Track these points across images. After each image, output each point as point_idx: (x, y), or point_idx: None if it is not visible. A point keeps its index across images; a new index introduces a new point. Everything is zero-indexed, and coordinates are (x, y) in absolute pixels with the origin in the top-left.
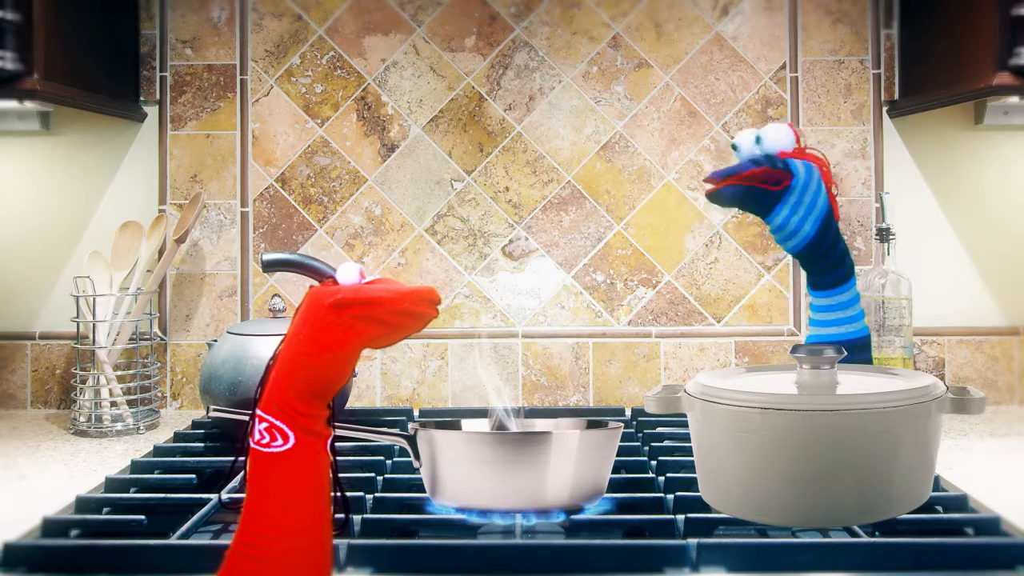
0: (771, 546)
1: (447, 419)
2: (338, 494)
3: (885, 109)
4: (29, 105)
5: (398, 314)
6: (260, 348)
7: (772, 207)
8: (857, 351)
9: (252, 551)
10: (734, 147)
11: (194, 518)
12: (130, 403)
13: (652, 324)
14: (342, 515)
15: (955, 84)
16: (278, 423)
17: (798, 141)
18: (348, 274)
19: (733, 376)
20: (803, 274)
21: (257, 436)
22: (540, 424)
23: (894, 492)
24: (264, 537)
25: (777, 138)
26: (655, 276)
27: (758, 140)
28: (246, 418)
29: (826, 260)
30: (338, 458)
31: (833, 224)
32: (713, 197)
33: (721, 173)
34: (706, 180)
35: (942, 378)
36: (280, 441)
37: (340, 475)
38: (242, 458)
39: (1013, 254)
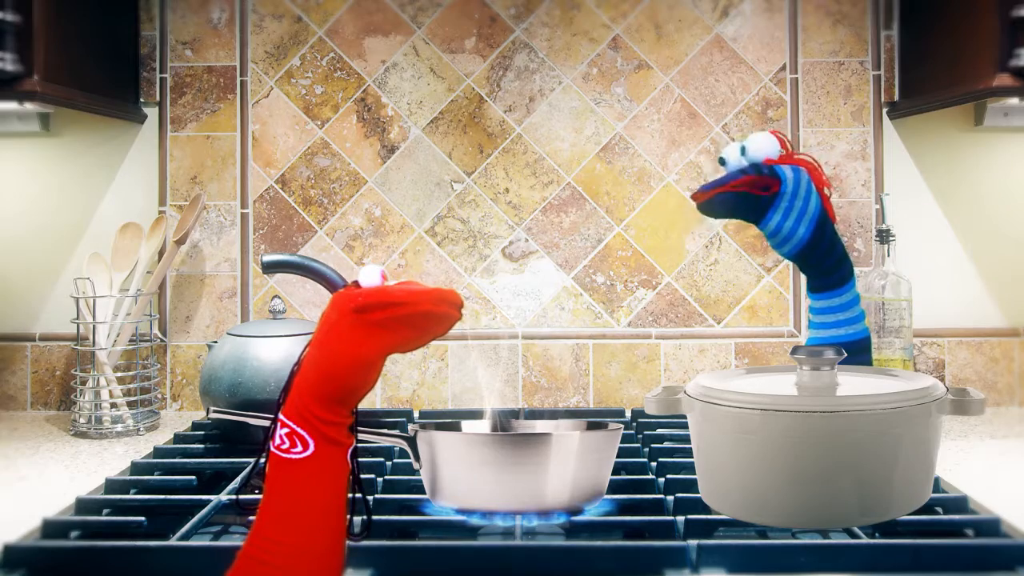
0: (771, 547)
1: (447, 420)
2: (358, 495)
3: (885, 110)
4: (29, 106)
5: (420, 316)
6: (260, 350)
7: (764, 213)
8: (857, 353)
9: (263, 555)
10: (721, 161)
11: (194, 519)
12: (130, 404)
13: (652, 325)
14: (365, 517)
15: (955, 85)
16: (299, 430)
17: (784, 147)
18: (370, 276)
19: (733, 377)
20: (803, 276)
21: (278, 441)
22: (540, 425)
23: (894, 493)
24: (275, 542)
25: (761, 146)
26: (655, 277)
27: (743, 151)
28: (246, 419)
29: (824, 263)
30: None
31: (828, 226)
32: (704, 208)
33: (710, 184)
34: (695, 195)
35: (942, 379)
36: (300, 448)
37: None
38: (262, 460)
39: (1013, 255)
